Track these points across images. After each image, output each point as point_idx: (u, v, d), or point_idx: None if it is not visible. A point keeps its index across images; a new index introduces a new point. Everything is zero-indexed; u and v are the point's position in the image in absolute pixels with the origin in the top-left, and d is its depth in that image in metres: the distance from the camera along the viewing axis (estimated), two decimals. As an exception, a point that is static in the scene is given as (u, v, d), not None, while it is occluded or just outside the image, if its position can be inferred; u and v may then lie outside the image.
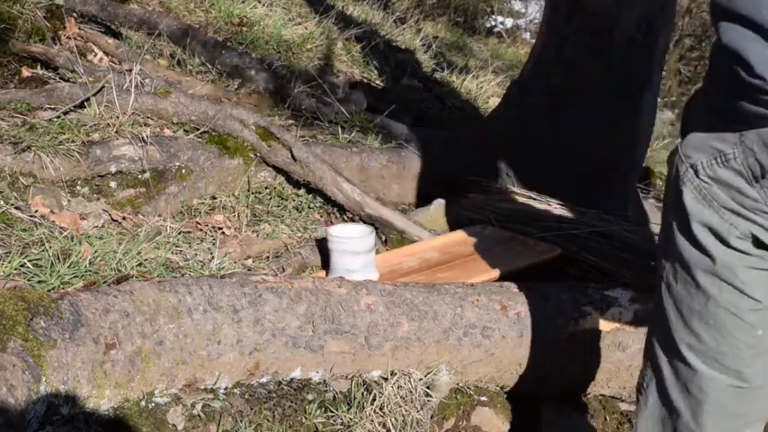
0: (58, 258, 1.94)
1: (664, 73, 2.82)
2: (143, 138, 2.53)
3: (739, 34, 1.01)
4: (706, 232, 1.14)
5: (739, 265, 1.14)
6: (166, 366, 1.59)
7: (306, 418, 1.71)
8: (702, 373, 1.23)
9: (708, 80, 1.13)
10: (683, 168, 1.15)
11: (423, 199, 2.90)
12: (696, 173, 1.13)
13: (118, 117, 2.60)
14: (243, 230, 2.51)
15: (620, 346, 2.04)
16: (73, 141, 2.44)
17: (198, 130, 2.69)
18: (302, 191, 2.74)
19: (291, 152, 2.62)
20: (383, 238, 2.56)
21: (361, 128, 3.22)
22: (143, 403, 1.56)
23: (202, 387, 1.66)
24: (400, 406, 1.78)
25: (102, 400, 1.49)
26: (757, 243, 1.12)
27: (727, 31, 1.03)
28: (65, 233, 2.11)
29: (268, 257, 2.43)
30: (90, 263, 1.98)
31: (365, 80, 4.16)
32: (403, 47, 5.10)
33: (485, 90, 4.71)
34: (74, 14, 3.49)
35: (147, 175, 2.53)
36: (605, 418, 2.12)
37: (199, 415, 1.60)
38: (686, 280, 1.20)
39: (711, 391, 1.23)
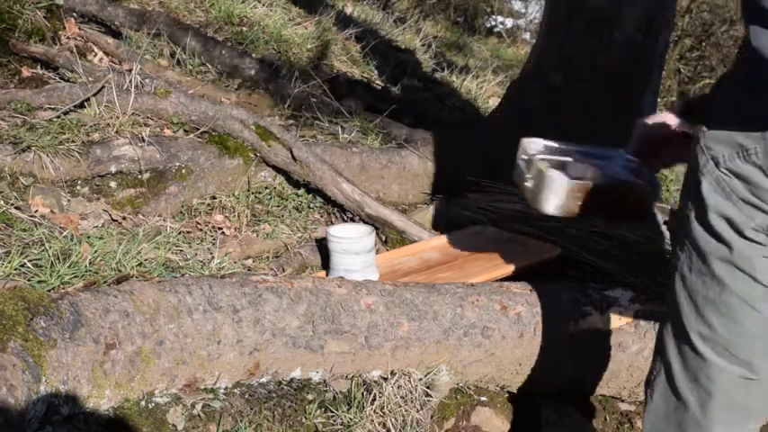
0: (58, 258, 1.94)
1: (664, 73, 2.82)
2: (143, 138, 2.53)
3: None
4: (723, 222, 1.16)
5: (756, 255, 1.16)
6: (166, 366, 1.59)
7: (306, 418, 1.71)
8: (712, 362, 1.24)
9: (733, 79, 1.14)
10: (704, 160, 1.17)
11: (423, 199, 2.90)
12: (716, 165, 1.15)
13: (118, 117, 2.60)
14: (243, 230, 2.51)
15: (620, 347, 2.04)
16: (73, 141, 2.44)
17: (198, 130, 2.69)
18: (302, 191, 2.74)
19: (291, 152, 2.62)
20: (383, 238, 2.56)
21: (361, 128, 3.22)
22: (143, 403, 1.56)
23: (202, 387, 1.66)
24: (400, 406, 1.78)
25: (102, 400, 1.49)
26: None
27: (757, 33, 1.04)
28: (65, 233, 2.11)
29: (268, 257, 2.43)
30: (90, 263, 1.98)
31: (365, 80, 4.16)
32: (403, 47, 5.10)
33: (485, 90, 4.71)
34: (74, 14, 3.49)
35: (147, 175, 2.53)
36: (605, 418, 2.12)
37: (199, 415, 1.60)
38: (701, 270, 1.21)
39: (720, 381, 1.24)
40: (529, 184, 1.77)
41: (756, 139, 1.09)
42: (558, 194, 1.78)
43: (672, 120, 1.41)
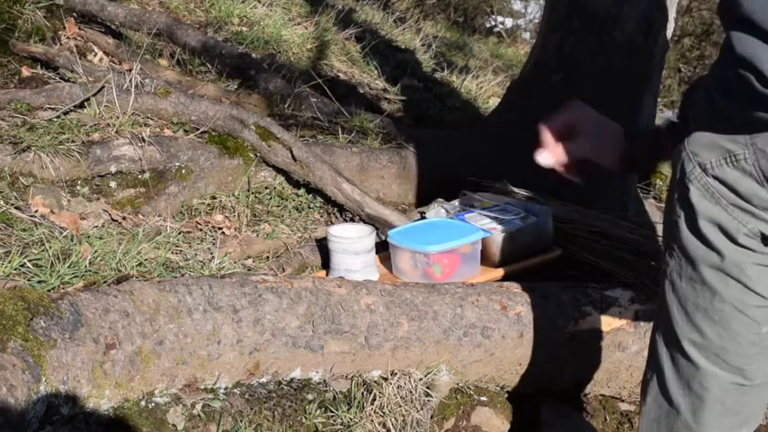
0: (58, 258, 1.94)
1: (664, 73, 2.82)
2: (143, 138, 2.53)
3: (753, 43, 1.01)
4: (713, 229, 1.14)
5: (747, 262, 1.14)
6: (166, 366, 1.59)
7: (306, 418, 1.71)
8: (705, 369, 1.23)
9: (715, 86, 1.12)
10: (690, 166, 1.15)
11: (423, 199, 2.89)
12: (704, 171, 1.13)
13: (118, 117, 2.60)
14: (243, 230, 2.50)
15: (620, 347, 2.04)
16: (73, 141, 2.44)
17: (198, 130, 2.69)
18: (302, 191, 2.74)
19: (291, 152, 2.62)
20: (383, 238, 2.56)
21: (361, 128, 3.22)
22: (143, 403, 1.57)
23: (202, 387, 1.66)
24: (400, 406, 1.78)
25: (102, 400, 1.49)
26: (765, 241, 1.12)
27: (740, 39, 1.03)
28: (65, 233, 2.11)
29: (268, 257, 2.43)
30: (90, 263, 1.98)
31: (365, 80, 4.16)
32: (403, 47, 5.10)
33: (485, 90, 4.71)
34: (74, 14, 3.49)
35: (147, 175, 2.52)
36: (605, 418, 2.12)
37: (199, 415, 1.60)
38: (692, 276, 1.20)
39: (713, 387, 1.23)
40: None
41: (744, 144, 1.07)
42: None
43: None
